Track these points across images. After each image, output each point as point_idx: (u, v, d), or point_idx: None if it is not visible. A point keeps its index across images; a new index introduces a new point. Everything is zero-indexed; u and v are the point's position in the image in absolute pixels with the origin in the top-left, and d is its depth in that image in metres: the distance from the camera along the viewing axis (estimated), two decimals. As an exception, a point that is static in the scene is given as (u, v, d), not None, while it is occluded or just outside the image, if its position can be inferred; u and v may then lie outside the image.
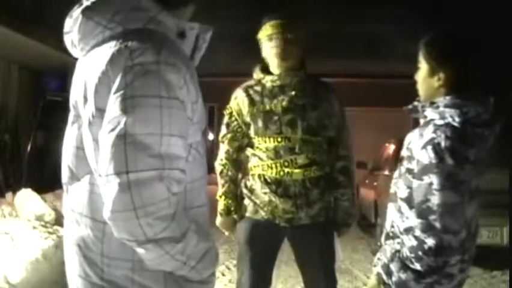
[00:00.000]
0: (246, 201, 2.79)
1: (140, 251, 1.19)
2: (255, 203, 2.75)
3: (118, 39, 1.23)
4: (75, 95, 1.32)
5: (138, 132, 1.14)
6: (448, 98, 1.78)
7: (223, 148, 2.87)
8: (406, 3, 8.67)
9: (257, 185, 2.74)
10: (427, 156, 1.70)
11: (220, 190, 2.87)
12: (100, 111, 1.20)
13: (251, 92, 2.76)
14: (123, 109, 1.15)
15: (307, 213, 2.71)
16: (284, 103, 2.69)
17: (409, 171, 1.78)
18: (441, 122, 1.75)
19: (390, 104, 16.54)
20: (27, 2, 7.50)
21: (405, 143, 1.86)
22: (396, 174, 1.90)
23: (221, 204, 2.87)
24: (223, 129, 2.88)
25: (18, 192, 6.82)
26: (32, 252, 4.60)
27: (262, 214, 2.73)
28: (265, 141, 2.70)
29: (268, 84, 2.74)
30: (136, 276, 1.26)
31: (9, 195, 7.28)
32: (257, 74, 2.79)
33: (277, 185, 2.69)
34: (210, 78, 16.46)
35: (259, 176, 2.73)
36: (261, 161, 2.72)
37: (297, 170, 2.67)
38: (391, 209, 1.90)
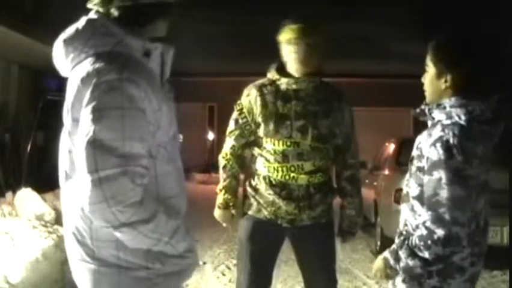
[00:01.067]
0: (250, 200, 2.80)
1: (118, 234, 1.47)
2: (258, 202, 2.76)
3: (90, 61, 1.50)
4: (65, 105, 1.58)
5: (105, 138, 1.41)
6: (453, 99, 1.86)
7: (229, 143, 2.85)
8: (406, 3, 8.67)
9: (262, 186, 2.74)
10: (436, 153, 1.79)
11: (221, 184, 2.87)
12: (76, 121, 1.49)
13: (265, 91, 2.74)
14: (92, 119, 1.42)
15: (309, 215, 2.73)
16: (298, 108, 2.68)
17: (419, 169, 1.87)
18: (448, 121, 1.84)
19: (390, 104, 16.60)
20: (27, 1, 7.50)
21: (415, 144, 1.93)
22: (407, 175, 1.98)
23: (220, 198, 2.87)
24: (231, 124, 2.86)
25: (18, 192, 6.82)
26: (32, 252, 4.60)
27: (265, 213, 2.74)
28: (274, 144, 2.69)
29: (283, 87, 2.71)
30: (121, 254, 1.54)
31: (9, 195, 7.27)
32: (272, 75, 2.76)
33: (281, 188, 2.70)
34: (209, 78, 16.48)
35: (264, 177, 2.73)
36: (267, 163, 2.72)
37: (302, 176, 2.68)
38: (404, 209, 1.99)
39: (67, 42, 1.57)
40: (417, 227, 1.87)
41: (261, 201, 2.74)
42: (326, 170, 2.78)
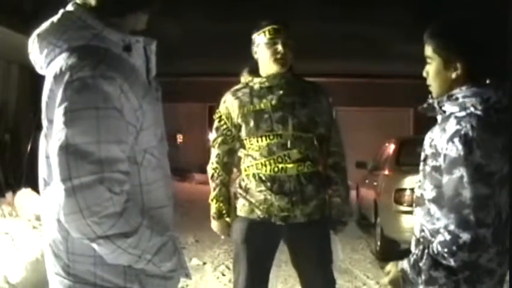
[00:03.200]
0: (241, 201, 2.81)
1: (95, 246, 1.35)
2: (250, 203, 2.77)
3: (64, 57, 1.37)
4: (42, 105, 1.46)
5: (78, 142, 1.29)
6: (464, 88, 1.70)
7: (214, 152, 2.93)
8: (406, 4, 8.67)
9: (252, 184, 2.76)
10: (455, 149, 1.62)
11: (212, 194, 2.93)
12: (51, 123, 1.37)
13: (239, 94, 2.81)
14: (64, 122, 1.30)
15: (303, 211, 2.73)
16: (274, 101, 2.73)
17: (435, 169, 1.71)
18: (463, 113, 1.67)
19: (390, 104, 16.60)
20: (27, 1, 7.50)
21: (426, 142, 1.77)
22: (419, 176, 1.82)
23: (213, 208, 2.92)
24: (213, 133, 2.94)
25: (18, 192, 6.83)
26: (32, 252, 4.60)
27: (258, 213, 2.75)
28: (258, 141, 2.74)
29: (256, 86, 2.78)
30: (98, 271, 1.41)
31: (9, 195, 7.28)
32: (245, 78, 2.90)
33: (272, 182, 2.71)
34: (209, 78, 16.46)
35: (253, 175, 2.76)
36: (254, 160, 2.75)
37: (290, 165, 2.70)
38: (419, 214, 1.81)
39: (41, 36, 1.44)
40: (436, 232, 1.69)
41: (253, 200, 2.76)
42: (315, 160, 2.80)
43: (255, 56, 2.82)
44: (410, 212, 5.98)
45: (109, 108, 1.31)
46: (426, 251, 1.69)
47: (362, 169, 8.93)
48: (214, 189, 2.92)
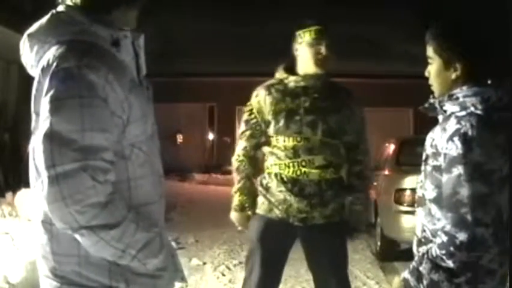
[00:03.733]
0: (261, 199, 2.80)
1: (78, 237, 1.33)
2: (269, 201, 2.76)
3: (52, 50, 1.40)
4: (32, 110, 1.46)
5: (62, 130, 1.29)
6: (464, 88, 1.71)
7: (241, 144, 2.88)
8: (406, 5, 8.67)
9: (273, 183, 2.75)
10: (454, 148, 1.63)
11: (236, 186, 2.89)
12: (38, 115, 1.38)
13: (273, 90, 2.78)
14: (49, 110, 1.31)
15: (322, 213, 2.72)
16: (307, 104, 2.72)
17: (436, 168, 1.71)
18: (463, 112, 1.68)
19: (390, 104, 16.60)
20: (27, 2, 7.51)
21: (428, 142, 1.77)
22: (421, 176, 1.82)
23: (236, 200, 2.88)
24: (242, 126, 2.90)
25: (18, 192, 6.82)
26: (32, 252, 4.60)
27: (277, 213, 2.74)
28: (285, 140, 2.72)
29: (291, 84, 2.76)
30: (83, 271, 1.40)
31: (9, 195, 7.28)
32: (280, 74, 2.82)
33: (293, 184, 2.71)
34: (209, 78, 16.47)
35: (275, 174, 2.75)
36: (278, 160, 2.74)
37: (314, 171, 2.70)
38: (420, 214, 1.80)
39: (31, 35, 1.46)
40: (436, 232, 1.68)
41: (272, 199, 2.75)
42: (338, 167, 2.79)
43: (295, 54, 2.78)
44: (410, 212, 5.99)
45: (93, 97, 1.32)
46: (426, 255, 1.67)
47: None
48: (239, 181, 2.87)
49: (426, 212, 1.77)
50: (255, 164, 2.88)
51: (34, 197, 1.44)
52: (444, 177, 1.66)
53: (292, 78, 2.76)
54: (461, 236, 1.59)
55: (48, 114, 1.31)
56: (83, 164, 1.28)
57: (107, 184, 1.32)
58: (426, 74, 1.82)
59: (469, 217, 1.59)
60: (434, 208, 1.72)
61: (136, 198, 1.43)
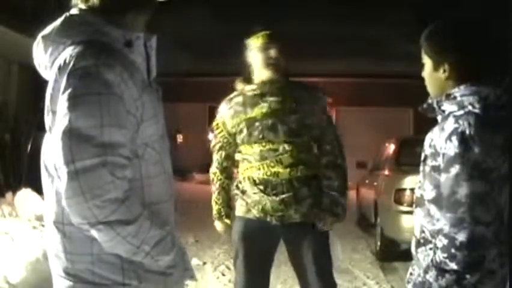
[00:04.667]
0: (239, 202, 2.87)
1: (94, 233, 1.35)
2: (247, 203, 2.81)
3: (67, 51, 1.42)
4: (46, 104, 1.48)
5: (81, 126, 1.32)
6: (462, 87, 1.72)
7: (214, 158, 3.00)
8: (407, 5, 8.67)
9: (247, 186, 2.81)
10: (452, 147, 1.63)
11: (213, 196, 3.00)
12: (54, 114, 1.39)
13: (233, 103, 2.85)
14: (68, 107, 1.33)
15: (298, 210, 2.74)
16: (264, 109, 2.76)
17: (435, 168, 1.71)
18: (461, 111, 1.69)
19: (390, 104, 16.61)
20: (27, 1, 7.50)
21: (426, 142, 1.78)
22: (420, 177, 1.82)
23: (214, 209, 2.99)
24: (212, 140, 3.00)
25: (18, 192, 6.83)
26: (32, 252, 4.61)
27: (254, 213, 2.78)
28: (252, 147, 2.79)
29: (249, 94, 2.82)
30: (96, 269, 1.41)
31: (9, 195, 7.28)
32: (239, 85, 2.89)
33: (265, 185, 2.76)
34: (209, 78, 16.47)
35: (248, 177, 2.81)
36: (249, 164, 2.81)
37: (283, 170, 2.73)
38: (418, 214, 1.81)
39: (45, 37, 1.49)
40: (435, 232, 1.68)
41: (249, 201, 2.80)
42: (309, 164, 2.79)
43: (249, 62, 2.84)
44: (410, 212, 5.95)
45: (111, 94, 1.34)
46: (430, 263, 1.67)
47: (362, 169, 8.93)
48: (214, 192, 2.99)
49: (425, 213, 1.76)
50: (228, 174, 2.98)
51: (46, 198, 1.47)
52: (443, 177, 1.66)
53: (249, 87, 2.83)
54: (461, 236, 1.59)
55: (67, 111, 1.33)
56: (102, 159, 1.31)
57: (125, 180, 1.35)
58: (423, 74, 1.86)
59: (467, 216, 1.59)
60: (433, 208, 1.72)
61: (149, 196, 1.45)
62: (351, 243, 7.27)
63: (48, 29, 1.50)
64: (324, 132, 2.87)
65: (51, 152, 1.40)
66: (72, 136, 1.31)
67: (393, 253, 6.41)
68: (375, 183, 7.45)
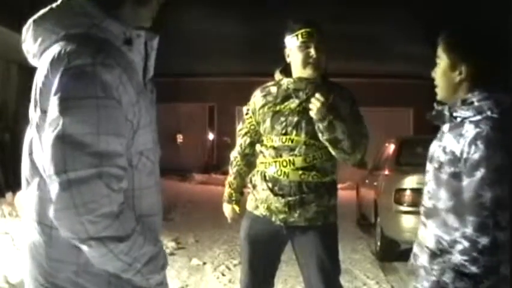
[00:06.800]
0: (250, 196, 2.87)
1: (84, 248, 1.24)
2: (256, 199, 2.81)
3: (61, 44, 1.29)
4: (31, 102, 1.36)
5: (76, 132, 1.19)
6: (476, 92, 1.70)
7: (238, 142, 2.99)
8: (407, 5, 8.67)
9: (258, 181, 2.80)
10: (477, 151, 1.61)
11: (228, 179, 3.04)
12: (44, 113, 1.26)
13: (266, 92, 2.83)
14: (60, 110, 1.20)
15: (301, 215, 2.70)
16: (293, 105, 2.73)
17: (454, 175, 1.68)
18: (479, 117, 1.67)
19: (390, 104, 16.60)
20: (26, 1, 7.50)
21: (437, 150, 1.75)
22: (430, 187, 1.78)
23: (225, 192, 3.03)
24: (240, 124, 3.01)
25: (18, 192, 6.82)
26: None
27: (261, 210, 2.77)
28: (271, 140, 2.75)
29: (284, 87, 2.78)
30: (80, 280, 1.30)
31: (9, 195, 7.29)
32: (277, 76, 2.85)
33: (273, 183, 2.73)
34: (209, 78, 16.47)
35: (260, 172, 2.80)
36: (264, 158, 2.79)
37: (294, 172, 2.69)
38: (431, 226, 1.76)
39: (37, 22, 1.35)
40: (454, 242, 1.65)
41: (258, 197, 2.79)
42: (323, 171, 2.72)
43: (287, 59, 2.78)
44: (410, 212, 6.00)
45: (109, 98, 1.22)
46: (446, 266, 1.66)
47: (362, 169, 8.92)
48: (231, 175, 3.02)
49: (440, 223, 1.73)
50: (248, 161, 2.96)
51: (29, 196, 1.36)
52: (466, 181, 1.64)
53: (285, 80, 2.78)
54: (484, 240, 1.58)
55: (60, 114, 1.20)
56: (98, 170, 1.19)
57: (120, 193, 1.24)
58: (433, 74, 1.82)
59: (490, 221, 1.58)
60: (450, 218, 1.69)
61: (140, 209, 1.34)
62: (351, 243, 7.26)
63: (41, 14, 1.37)
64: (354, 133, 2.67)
65: (41, 155, 1.28)
66: (65, 143, 1.19)
67: (393, 253, 6.41)
68: (375, 183, 7.44)
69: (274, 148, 2.73)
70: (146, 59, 1.42)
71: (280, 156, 2.71)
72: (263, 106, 2.79)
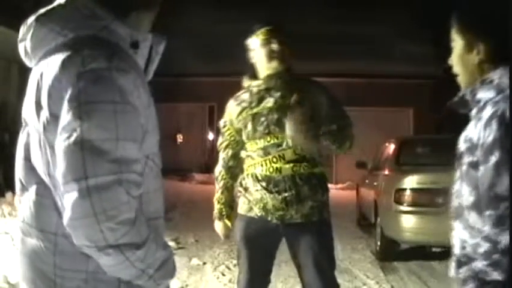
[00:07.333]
0: (242, 199, 2.87)
1: (100, 257, 1.20)
2: (249, 201, 2.81)
3: (70, 46, 1.25)
4: (27, 105, 1.32)
5: (95, 138, 1.16)
6: (498, 70, 1.53)
7: (220, 156, 2.99)
8: (406, 5, 8.67)
9: (250, 183, 2.81)
10: (492, 132, 1.42)
11: (215, 195, 3.00)
12: (54, 117, 1.21)
13: (239, 100, 2.86)
14: (78, 116, 1.16)
15: (298, 211, 2.73)
16: (270, 104, 2.76)
17: (472, 164, 1.47)
18: (499, 97, 1.48)
19: (390, 104, 16.61)
20: (27, 2, 7.50)
21: (461, 139, 1.56)
22: (456, 184, 1.58)
23: (215, 209, 2.99)
24: (220, 138, 3.00)
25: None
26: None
27: (256, 211, 2.78)
28: (256, 143, 2.78)
29: (255, 89, 2.82)
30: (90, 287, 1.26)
31: (9, 195, 7.29)
32: (245, 82, 2.90)
33: (267, 182, 2.74)
34: (209, 78, 16.47)
35: (251, 174, 2.81)
36: (252, 160, 2.81)
37: (286, 166, 2.72)
38: (458, 228, 1.55)
39: (40, 21, 1.30)
40: (477, 245, 1.43)
41: (251, 198, 2.80)
42: (313, 161, 2.78)
43: (253, 61, 2.85)
44: (410, 212, 6.01)
45: (126, 103, 1.20)
46: (468, 273, 1.46)
47: (362, 169, 8.92)
48: (217, 191, 3.00)
49: (465, 225, 1.52)
50: (233, 174, 2.96)
51: (26, 201, 1.32)
52: (481, 170, 1.44)
53: (254, 83, 2.83)
54: (504, 239, 1.36)
55: (77, 120, 1.16)
56: (117, 177, 1.16)
57: (137, 199, 1.21)
58: (450, 62, 1.67)
59: (508, 213, 1.36)
60: (473, 216, 1.47)
61: (147, 212, 1.31)
62: (351, 243, 7.27)
63: (45, 13, 1.32)
64: (332, 117, 2.74)
65: (45, 159, 1.25)
66: (84, 149, 1.15)
67: (393, 253, 6.41)
68: (375, 183, 7.44)
69: (261, 149, 2.76)
70: (148, 62, 1.39)
71: (269, 154, 2.74)
72: (240, 113, 2.82)
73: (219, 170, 2.98)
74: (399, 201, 6.00)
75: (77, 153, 1.15)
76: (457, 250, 1.54)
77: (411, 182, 5.94)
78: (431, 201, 5.78)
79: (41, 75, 1.27)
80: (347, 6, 8.97)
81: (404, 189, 5.97)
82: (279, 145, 2.73)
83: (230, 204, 2.97)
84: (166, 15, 1.47)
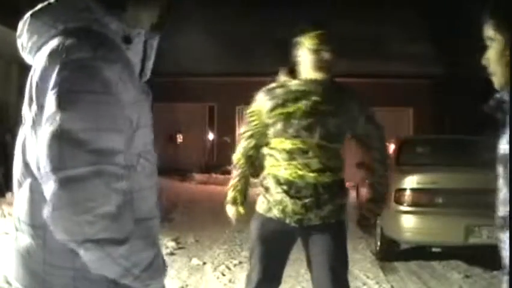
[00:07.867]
0: (261, 199, 2.86)
1: (81, 252, 1.17)
2: (268, 201, 2.80)
3: (59, 37, 1.24)
4: (24, 102, 1.31)
5: (74, 128, 1.13)
6: None
7: (241, 144, 2.97)
8: (407, 5, 8.67)
9: (271, 184, 2.79)
10: None
11: (231, 181, 3.02)
12: (41, 108, 1.20)
13: (273, 94, 2.80)
14: (58, 105, 1.15)
15: (317, 214, 2.74)
16: (305, 107, 2.72)
17: None
18: None
19: (390, 104, 16.60)
20: (27, 1, 7.50)
21: (502, 143, 1.46)
22: (502, 193, 1.45)
23: (229, 195, 3.00)
24: (244, 127, 2.99)
25: (18, 192, 6.80)
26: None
27: (275, 213, 2.77)
28: (282, 143, 2.75)
29: (292, 88, 2.77)
30: (79, 285, 1.24)
31: (9, 195, 7.28)
32: (282, 76, 2.85)
33: (289, 186, 2.73)
34: (209, 78, 16.48)
35: (273, 175, 2.78)
36: (276, 162, 2.77)
37: (310, 174, 2.71)
38: (506, 241, 1.45)
39: (35, 16, 1.30)
40: None
41: (271, 199, 2.78)
42: (336, 170, 2.78)
43: (298, 59, 2.78)
44: (410, 212, 6.01)
45: (109, 94, 1.17)
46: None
47: (362, 169, 8.91)
48: (234, 178, 3.00)
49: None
50: (252, 164, 2.96)
51: (20, 197, 1.31)
52: None
53: (294, 82, 2.77)
54: None
55: (57, 109, 1.14)
56: (96, 168, 1.13)
57: (119, 193, 1.17)
58: (484, 61, 1.53)
59: None
60: None
61: (138, 211, 1.28)
62: (351, 243, 7.21)
63: (39, 8, 1.32)
64: (367, 131, 2.87)
65: (36, 152, 1.23)
66: (63, 139, 1.13)
67: (393, 253, 6.41)
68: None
69: (286, 151, 2.73)
70: (145, 59, 1.38)
71: (294, 159, 2.71)
72: (273, 109, 2.76)
73: (237, 157, 2.97)
74: (399, 201, 6.00)
75: (56, 144, 1.13)
76: (506, 261, 1.45)
77: (411, 182, 5.94)
78: (431, 201, 5.78)
79: (34, 70, 1.27)
80: (347, 6, 8.97)
81: (404, 189, 5.97)
82: (305, 152, 2.70)
83: (245, 193, 2.99)
84: (168, 18, 1.45)
